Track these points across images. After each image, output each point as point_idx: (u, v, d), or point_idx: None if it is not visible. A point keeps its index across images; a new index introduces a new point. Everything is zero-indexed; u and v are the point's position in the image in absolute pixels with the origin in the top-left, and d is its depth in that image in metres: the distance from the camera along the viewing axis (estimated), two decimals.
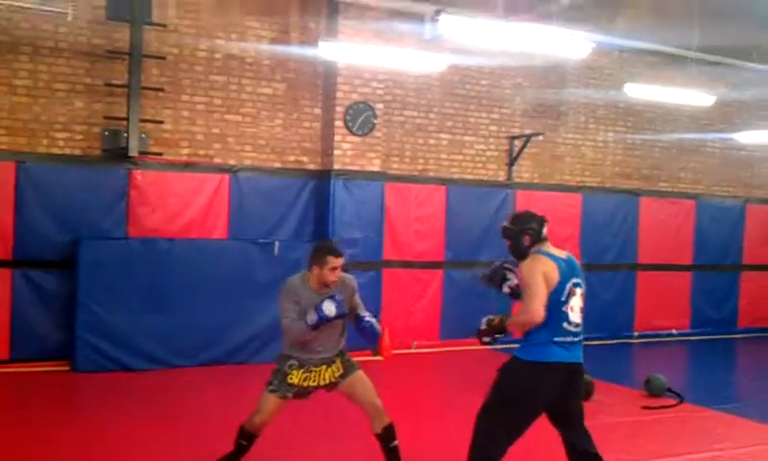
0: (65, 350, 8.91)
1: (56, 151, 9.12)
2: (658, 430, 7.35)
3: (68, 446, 6.09)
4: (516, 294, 5.10)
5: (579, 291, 4.76)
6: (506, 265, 5.24)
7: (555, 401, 4.77)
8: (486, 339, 5.04)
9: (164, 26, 9.47)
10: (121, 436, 6.39)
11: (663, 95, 11.29)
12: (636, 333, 12.82)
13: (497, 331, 4.98)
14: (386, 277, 10.64)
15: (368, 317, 5.51)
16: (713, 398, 8.57)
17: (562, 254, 4.85)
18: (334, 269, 5.31)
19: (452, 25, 8.32)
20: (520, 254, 4.90)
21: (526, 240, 4.89)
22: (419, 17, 10.20)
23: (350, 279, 5.60)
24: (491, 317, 5.03)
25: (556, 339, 4.66)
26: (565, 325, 4.68)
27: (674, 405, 8.24)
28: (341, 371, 5.46)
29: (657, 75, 11.83)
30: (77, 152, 9.22)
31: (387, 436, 5.41)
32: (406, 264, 11.02)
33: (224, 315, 9.37)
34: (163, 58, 9.54)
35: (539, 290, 4.60)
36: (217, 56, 9.92)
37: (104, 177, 9.28)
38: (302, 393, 5.45)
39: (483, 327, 5.04)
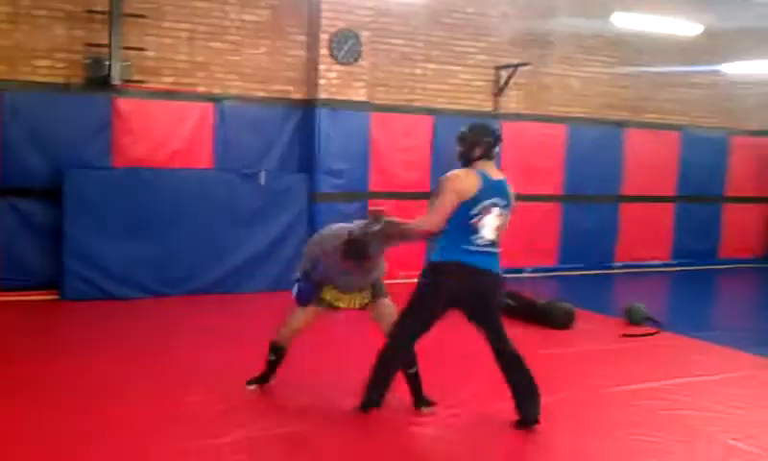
0: (53, 279, 8.95)
1: (38, 79, 9.01)
2: (636, 357, 7.50)
3: (56, 374, 6.15)
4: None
5: (497, 211, 4.99)
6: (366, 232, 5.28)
7: (464, 297, 5.03)
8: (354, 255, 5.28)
9: None
10: (109, 364, 6.46)
11: (650, 24, 11.20)
12: (617, 264, 12.98)
13: (376, 237, 5.23)
14: (372, 207, 10.66)
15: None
16: (692, 326, 8.73)
17: (498, 175, 5.10)
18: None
19: None
20: (467, 161, 5.12)
21: (477, 151, 5.10)
22: None
23: None
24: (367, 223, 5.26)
25: (463, 246, 4.96)
26: (473, 237, 4.95)
27: (653, 333, 8.39)
28: (370, 297, 5.68)
29: (645, 4, 11.70)
30: (59, 80, 9.11)
31: (408, 363, 5.55)
32: (392, 195, 11.03)
33: (209, 245, 9.41)
34: None
35: (444, 206, 4.91)
36: None
37: (87, 105, 9.19)
38: (332, 308, 5.71)
39: (348, 248, 5.27)
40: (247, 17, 10.07)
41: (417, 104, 11.27)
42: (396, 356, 5.28)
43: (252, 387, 5.87)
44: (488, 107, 11.82)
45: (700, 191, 13.69)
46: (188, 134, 9.78)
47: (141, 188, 9.08)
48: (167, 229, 9.17)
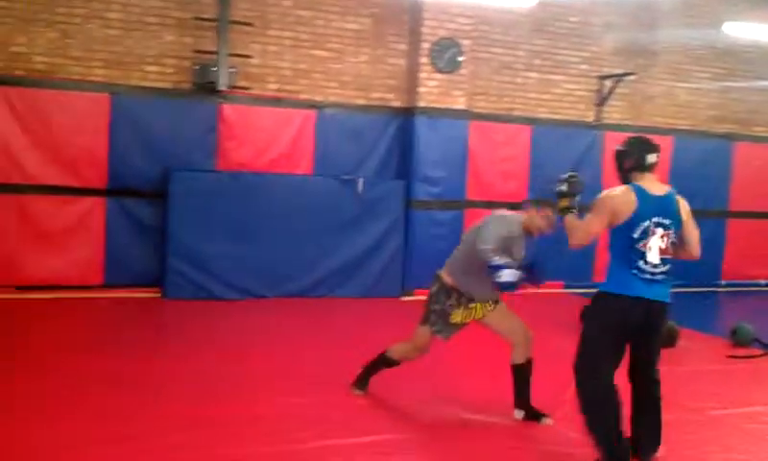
0: (157, 277, 9.23)
1: (147, 84, 9.33)
2: (742, 379, 7.20)
3: (158, 370, 6.33)
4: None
5: (661, 231, 4.62)
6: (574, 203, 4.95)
7: (633, 331, 4.71)
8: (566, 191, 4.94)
9: None
10: (206, 363, 6.61)
11: (764, 34, 10.77)
12: (723, 282, 12.50)
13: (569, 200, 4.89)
14: (468, 217, 10.58)
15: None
16: None
17: (659, 190, 4.74)
18: (547, 218, 5.42)
19: None
20: (621, 176, 4.86)
21: (627, 163, 4.82)
22: None
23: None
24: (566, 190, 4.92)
25: (630, 272, 4.61)
26: (641, 263, 4.59)
27: (761, 355, 8.04)
28: (492, 307, 5.57)
29: (758, 13, 11.27)
30: (167, 85, 9.42)
31: (522, 371, 5.51)
32: (489, 204, 10.92)
33: (308, 249, 9.54)
34: None
35: (595, 222, 4.62)
36: None
37: (193, 110, 9.47)
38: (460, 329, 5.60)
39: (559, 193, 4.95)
40: (348, 25, 10.18)
41: (516, 113, 11.15)
42: (599, 402, 4.73)
43: (359, 392, 5.86)
44: (589, 117, 11.60)
45: None
46: (290, 140, 9.95)
47: (243, 192, 9.29)
48: (267, 232, 9.34)
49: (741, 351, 8.13)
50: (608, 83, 11.50)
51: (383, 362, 5.79)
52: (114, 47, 9.18)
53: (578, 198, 4.93)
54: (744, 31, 10.75)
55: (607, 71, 11.56)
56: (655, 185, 4.75)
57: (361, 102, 10.32)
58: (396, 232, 9.94)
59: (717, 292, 12.29)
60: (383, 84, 10.42)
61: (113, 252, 9.18)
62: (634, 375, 4.90)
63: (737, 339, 8.44)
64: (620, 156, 4.88)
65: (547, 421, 5.49)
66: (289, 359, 6.87)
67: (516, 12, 10.72)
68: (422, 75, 10.18)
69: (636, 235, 4.59)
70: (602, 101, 11.56)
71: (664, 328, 4.99)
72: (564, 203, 4.89)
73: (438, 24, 10.15)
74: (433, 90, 10.23)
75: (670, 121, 12.13)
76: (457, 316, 5.51)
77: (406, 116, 10.34)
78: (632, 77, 11.43)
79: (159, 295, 9.14)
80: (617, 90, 11.47)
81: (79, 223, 9.06)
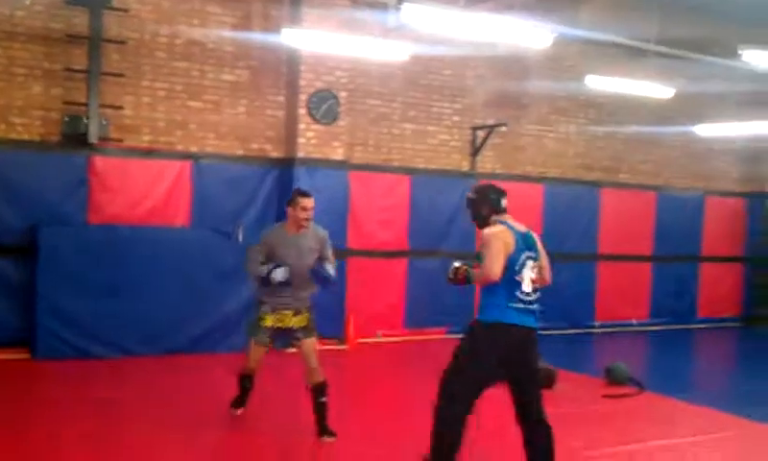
0: (25, 336, 8.78)
1: (14, 136, 8.95)
2: (618, 418, 7.44)
3: (27, 436, 5.97)
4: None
5: (531, 263, 5.08)
6: (465, 264, 5.36)
7: (509, 362, 5.07)
8: (453, 282, 5.34)
9: (125, 11, 9.33)
10: (80, 426, 6.30)
11: (624, 87, 11.40)
12: (597, 323, 12.97)
13: (463, 280, 5.26)
14: (350, 265, 10.62)
15: (325, 265, 6.22)
16: (673, 386, 8.71)
17: (521, 227, 5.19)
18: (304, 209, 6.11)
19: (415, 14, 8.30)
20: (481, 221, 5.29)
21: (485, 209, 5.27)
22: (382, 6, 10.17)
23: (322, 230, 6.34)
24: (457, 266, 5.30)
25: (510, 304, 5.01)
26: (518, 293, 5.02)
27: (635, 394, 8.34)
28: (305, 324, 6.28)
29: (618, 67, 11.90)
30: (35, 137, 9.06)
31: (318, 391, 6.21)
32: (370, 253, 11.01)
33: (186, 303, 9.28)
34: (124, 42, 9.40)
35: (498, 254, 4.95)
36: (178, 41, 9.80)
37: (63, 162, 9.14)
38: (278, 333, 6.33)
39: (450, 275, 5.32)
40: (225, 77, 10.12)
41: (394, 163, 11.31)
42: (449, 424, 5.10)
43: (237, 411, 6.72)
44: (464, 166, 11.90)
45: (676, 250, 13.79)
46: (165, 192, 9.74)
47: (117, 245, 8.98)
48: (143, 286, 9.03)
49: (616, 391, 8.40)
50: (480, 133, 11.85)
51: (242, 381, 6.65)
52: None
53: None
54: (605, 83, 11.32)
55: (479, 122, 11.92)
56: (516, 224, 5.21)
57: (239, 152, 10.23)
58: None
59: (592, 333, 12.72)
60: (261, 135, 10.38)
61: None
62: (520, 406, 5.18)
63: (612, 378, 8.74)
64: (476, 203, 5.34)
65: (329, 439, 6.17)
66: (163, 417, 6.62)
67: (391, 66, 10.92)
68: (301, 126, 10.20)
69: (516, 268, 5.00)
70: (476, 151, 11.90)
71: (538, 359, 5.35)
72: (462, 271, 5.26)
73: (315, 76, 10.22)
74: (311, 141, 10.26)
75: (540, 169, 12.60)
76: (268, 320, 6.25)
77: (285, 167, 10.31)
78: (503, 127, 11.82)
79: (29, 355, 8.65)
80: (490, 140, 11.83)
81: None
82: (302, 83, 10.18)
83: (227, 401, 6.82)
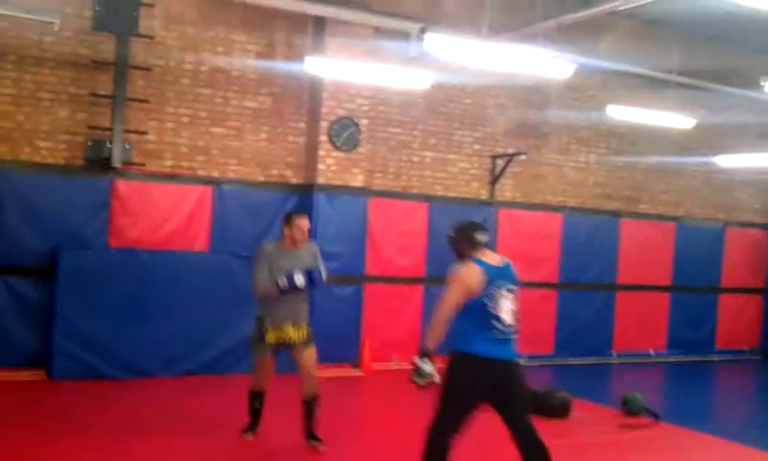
0: (42, 357, 8.86)
1: (38, 160, 9.11)
2: (634, 448, 7.42)
3: (43, 455, 6.04)
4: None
5: (507, 294, 5.23)
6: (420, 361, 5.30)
7: (493, 393, 5.18)
8: (423, 385, 5.25)
9: (151, 38, 9.50)
10: (96, 447, 6.35)
11: (645, 117, 11.42)
12: (614, 353, 12.91)
13: (428, 366, 5.21)
14: (368, 291, 10.68)
15: (319, 269, 6.60)
16: (689, 418, 8.65)
17: (495, 260, 5.35)
18: (300, 227, 6.56)
19: (437, 43, 8.41)
20: (460, 257, 5.40)
21: (463, 247, 5.41)
22: (404, 35, 10.30)
23: (313, 245, 6.83)
24: (419, 365, 5.23)
25: (483, 335, 5.14)
26: (494, 322, 5.15)
27: (651, 424, 8.30)
28: (305, 338, 6.60)
29: (638, 97, 11.96)
30: (60, 161, 9.21)
31: (311, 403, 6.59)
32: (388, 279, 11.05)
33: (204, 327, 9.36)
34: (149, 69, 9.57)
35: (447, 299, 5.16)
36: (203, 68, 9.96)
37: (86, 186, 9.27)
38: (279, 348, 6.62)
39: (418, 381, 5.25)
40: (248, 104, 10.25)
41: (413, 191, 11.38)
42: (439, 445, 5.24)
43: (249, 436, 6.83)
44: (483, 195, 11.94)
45: (695, 281, 13.72)
46: (185, 216, 9.84)
47: (137, 269, 9.09)
48: (161, 309, 9.13)
49: (632, 421, 8.37)
50: (500, 161, 11.89)
51: (253, 398, 6.83)
52: (4, 122, 8.95)
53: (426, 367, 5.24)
54: (626, 113, 11.35)
55: (500, 151, 11.97)
56: (491, 257, 5.38)
57: (260, 178, 10.34)
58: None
59: (608, 363, 12.66)
60: (282, 161, 10.48)
61: None
62: (512, 429, 5.25)
63: (628, 409, 8.70)
64: (454, 242, 5.50)
65: (319, 446, 6.56)
66: (180, 439, 6.66)
67: (412, 94, 11.03)
68: (321, 152, 10.30)
69: (488, 301, 5.15)
70: (495, 179, 11.94)
71: (525, 387, 5.44)
72: (427, 366, 5.22)
73: (336, 104, 10.34)
74: (332, 167, 10.35)
75: (560, 198, 12.61)
76: (270, 337, 6.55)
77: (305, 193, 10.41)
78: (523, 156, 11.87)
79: (45, 376, 8.73)
80: (509, 169, 11.87)
81: None
82: (324, 110, 10.29)
83: (244, 419, 6.88)
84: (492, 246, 12.07)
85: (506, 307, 5.20)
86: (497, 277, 5.22)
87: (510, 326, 5.22)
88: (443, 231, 11.14)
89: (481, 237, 5.41)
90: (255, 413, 6.84)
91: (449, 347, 5.25)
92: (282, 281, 6.35)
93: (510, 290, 5.26)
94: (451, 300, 5.15)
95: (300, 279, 6.35)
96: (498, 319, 5.16)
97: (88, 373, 8.74)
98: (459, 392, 5.18)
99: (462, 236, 5.45)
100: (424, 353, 5.21)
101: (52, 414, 7.43)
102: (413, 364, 5.24)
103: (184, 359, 9.26)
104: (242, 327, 9.41)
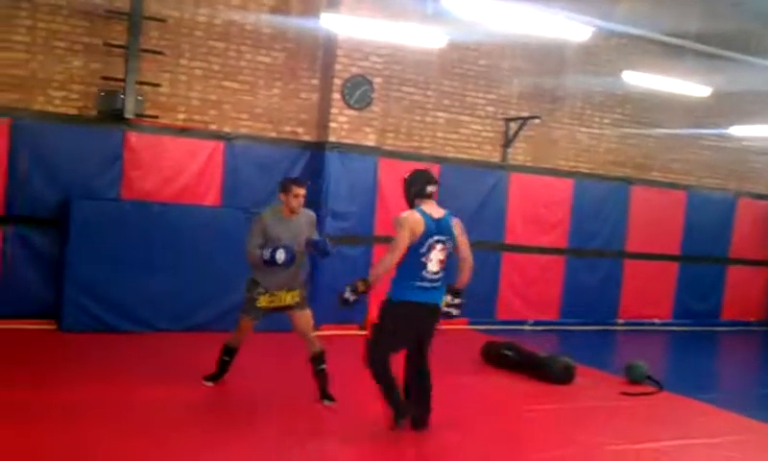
0: (53, 308, 8.95)
1: (51, 109, 9.10)
2: (636, 416, 7.47)
3: (53, 406, 6.13)
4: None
5: (440, 247, 5.84)
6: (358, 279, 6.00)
7: (416, 332, 6.01)
8: (352, 299, 5.96)
9: None
10: (103, 397, 6.45)
11: (660, 84, 11.32)
12: (620, 320, 12.95)
13: (364, 292, 5.94)
14: (377, 252, 10.68)
15: (318, 237, 6.90)
16: (692, 387, 8.68)
17: (436, 213, 5.92)
18: (297, 196, 6.63)
19: (454, 1, 8.30)
20: (408, 202, 6.02)
21: (411, 192, 6.00)
22: None
23: (310, 213, 6.96)
24: (352, 285, 5.93)
25: (415, 283, 5.82)
26: (424, 272, 5.81)
27: (653, 393, 8.35)
28: (298, 300, 6.76)
29: (654, 64, 11.83)
30: (73, 111, 9.21)
31: (317, 360, 6.73)
32: None
33: (213, 281, 9.39)
34: (163, 20, 9.52)
35: (399, 243, 5.74)
36: (217, 22, 9.89)
37: (99, 137, 9.27)
38: (269, 312, 6.80)
39: (349, 296, 5.94)
40: (261, 59, 10.20)
41: (425, 152, 11.34)
42: (384, 374, 5.99)
43: (209, 383, 7.02)
44: (495, 158, 11.90)
45: (704, 251, 13.69)
46: (197, 171, 9.85)
47: (147, 222, 9.10)
48: (171, 263, 9.16)
49: (635, 389, 8.42)
50: (513, 125, 11.84)
51: (226, 352, 7.05)
52: (18, 71, 8.94)
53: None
54: (642, 80, 11.25)
55: (513, 114, 11.90)
56: (434, 209, 5.94)
57: (271, 134, 10.32)
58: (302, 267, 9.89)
59: (614, 330, 12.70)
60: (294, 118, 10.46)
61: (8, 280, 8.85)
62: (410, 362, 6.13)
63: (631, 376, 8.75)
64: (407, 184, 6.06)
65: (332, 404, 6.69)
66: (185, 392, 6.75)
67: (427, 53, 10.95)
68: (334, 111, 10.26)
69: (422, 250, 5.77)
70: (508, 142, 11.89)
71: (435, 329, 6.20)
72: (361, 286, 5.92)
73: (350, 61, 10.27)
74: (344, 126, 10.32)
75: (572, 163, 12.56)
76: (262, 301, 6.72)
77: (317, 151, 10.39)
78: (536, 120, 11.81)
79: (55, 327, 8.83)
80: (522, 133, 11.82)
81: None
82: (338, 67, 10.23)
83: (250, 375, 6.99)
84: (502, 209, 12.22)
85: (435, 258, 5.81)
86: (435, 229, 5.81)
87: (436, 274, 5.85)
88: (454, 194, 11.30)
89: (430, 188, 5.94)
90: (223, 365, 7.07)
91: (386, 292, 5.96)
92: (266, 254, 6.46)
93: (443, 242, 5.85)
94: (403, 244, 5.71)
95: (281, 256, 6.43)
96: (426, 268, 5.78)
97: (98, 325, 8.81)
98: (391, 332, 5.92)
99: (413, 182, 6.00)
100: (366, 283, 5.86)
101: (58, 364, 7.53)
102: (354, 284, 5.88)
103: (192, 314, 9.30)
104: None
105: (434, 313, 6.02)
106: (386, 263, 5.83)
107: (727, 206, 13.98)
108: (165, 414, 6.17)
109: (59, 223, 8.95)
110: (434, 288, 5.91)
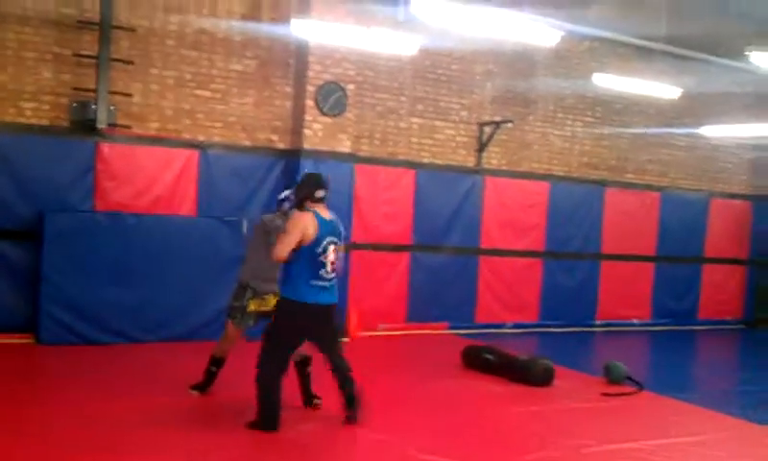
0: (30, 322, 8.83)
1: (22, 121, 9.00)
2: (616, 417, 7.48)
3: (29, 420, 6.04)
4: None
5: (333, 248, 6.05)
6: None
7: (314, 330, 6.17)
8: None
9: None
10: (82, 410, 6.36)
11: (631, 86, 11.39)
12: (598, 322, 13.01)
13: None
14: (354, 258, 10.67)
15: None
16: (671, 386, 8.73)
17: (327, 216, 6.13)
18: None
19: (425, 7, 8.30)
20: (297, 203, 6.24)
21: (301, 194, 6.19)
22: None
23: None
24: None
25: (311, 282, 5.99)
26: (321, 272, 6.01)
27: (633, 393, 8.38)
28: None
29: (625, 66, 11.94)
30: (44, 122, 9.11)
31: (305, 363, 6.73)
32: (374, 246, 11.06)
33: (190, 291, 9.33)
34: (134, 30, 9.44)
35: (290, 239, 5.90)
36: (188, 30, 9.83)
37: (71, 148, 9.18)
38: (257, 319, 6.77)
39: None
40: (234, 67, 10.15)
41: (400, 157, 11.34)
42: (269, 388, 6.05)
43: (195, 393, 6.96)
44: (470, 162, 11.92)
45: (679, 252, 13.80)
46: (171, 181, 9.77)
47: (122, 233, 9.02)
48: (147, 274, 9.08)
49: (614, 389, 8.44)
50: (487, 129, 11.87)
51: (214, 363, 7.00)
52: None
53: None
54: (612, 82, 11.32)
55: (486, 118, 11.94)
56: (325, 212, 6.15)
57: (246, 143, 10.26)
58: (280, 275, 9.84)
59: (592, 332, 12.75)
60: (268, 126, 10.41)
61: None
62: (328, 360, 6.31)
63: (611, 377, 8.77)
64: (298, 187, 6.30)
65: (319, 403, 6.74)
66: (162, 402, 6.67)
67: (399, 60, 10.96)
68: (308, 118, 10.22)
69: (319, 250, 5.96)
70: (482, 147, 11.92)
71: (337, 325, 6.44)
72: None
73: (323, 68, 10.25)
74: (318, 133, 10.29)
75: (546, 167, 12.61)
76: (252, 305, 6.73)
77: (292, 158, 10.34)
78: (509, 124, 11.86)
79: (32, 340, 8.72)
80: (496, 137, 11.85)
81: None
82: (310, 74, 10.19)
83: (228, 384, 6.90)
84: (478, 214, 12.26)
85: (330, 258, 6.03)
86: (327, 230, 6.03)
87: (331, 274, 6.07)
88: (429, 199, 11.33)
89: (320, 193, 6.12)
90: (211, 376, 7.02)
91: (281, 292, 6.20)
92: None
93: (334, 243, 6.07)
94: (291, 242, 5.87)
95: None
96: (324, 267, 5.99)
97: (75, 337, 8.71)
98: (286, 334, 6.06)
99: (303, 185, 6.20)
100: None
101: (35, 378, 7.43)
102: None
103: (169, 324, 9.22)
104: (227, 294, 9.41)
105: (330, 312, 6.20)
106: (277, 253, 5.94)
107: (700, 206, 14.11)
108: (146, 425, 6.08)
109: (33, 235, 8.84)
110: (327, 289, 6.10)
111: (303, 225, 5.93)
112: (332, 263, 6.07)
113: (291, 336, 6.12)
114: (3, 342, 8.57)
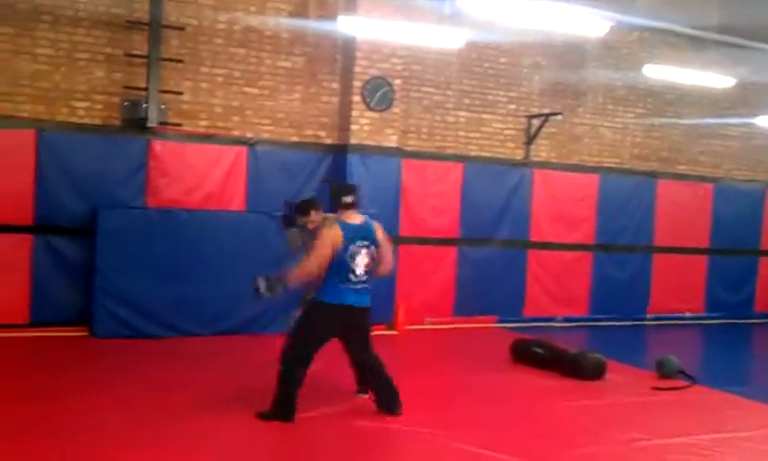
0: (84, 315, 9.04)
1: (75, 120, 9.20)
2: (668, 411, 7.37)
3: (79, 413, 6.17)
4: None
5: (364, 251, 6.17)
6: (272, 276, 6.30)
7: (341, 331, 6.29)
8: (266, 294, 6.27)
9: None
10: (136, 401, 6.48)
11: (683, 77, 11.20)
12: (649, 315, 12.82)
13: (279, 285, 6.23)
14: (401, 253, 10.66)
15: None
16: (726, 381, 8.56)
17: (357, 220, 6.27)
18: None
19: (471, 1, 8.28)
20: (331, 207, 6.50)
21: (332, 201, 6.44)
22: None
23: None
24: (269, 283, 6.24)
25: (341, 285, 6.13)
26: (351, 276, 6.14)
27: (686, 387, 8.25)
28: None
29: (676, 56, 11.74)
30: (97, 121, 9.30)
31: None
32: (421, 240, 11.05)
33: (239, 286, 9.37)
34: (183, 29, 9.58)
35: (318, 253, 6.08)
36: (236, 28, 9.94)
37: (123, 147, 9.36)
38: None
39: (264, 291, 6.26)
40: (281, 64, 10.24)
41: (448, 151, 11.31)
42: (290, 377, 6.17)
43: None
44: (518, 155, 11.84)
45: (734, 244, 13.52)
46: (221, 177, 9.91)
47: (174, 229, 9.18)
48: (198, 269, 9.23)
49: (667, 383, 8.32)
50: (535, 122, 11.77)
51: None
52: (41, 82, 9.04)
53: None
54: (663, 73, 11.14)
55: (535, 111, 11.84)
56: (354, 217, 6.29)
57: (293, 139, 10.35)
58: None
59: (644, 326, 12.58)
60: (316, 122, 10.48)
61: (39, 289, 8.97)
62: (356, 361, 6.53)
63: (663, 371, 8.65)
64: (331, 194, 6.51)
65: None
66: (213, 395, 6.77)
67: (446, 53, 10.93)
68: (355, 113, 10.26)
69: (347, 255, 6.09)
70: (530, 140, 11.83)
71: (369, 324, 6.53)
72: (280, 288, 6.28)
73: (370, 64, 10.27)
74: (365, 128, 10.32)
75: (596, 159, 12.47)
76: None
77: (339, 153, 10.40)
78: (558, 117, 11.74)
79: (87, 333, 8.94)
80: (545, 129, 11.75)
81: (3, 260, 8.83)
82: (357, 70, 10.23)
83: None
84: (526, 207, 12.16)
85: (361, 262, 6.14)
86: (355, 235, 6.14)
87: (362, 276, 6.18)
88: (477, 192, 11.28)
89: (347, 199, 6.28)
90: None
91: (312, 294, 6.33)
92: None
93: (366, 246, 6.18)
94: (320, 256, 6.05)
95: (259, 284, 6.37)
96: (353, 271, 6.11)
97: (129, 330, 8.90)
98: (313, 332, 6.18)
99: (333, 195, 6.42)
100: (281, 280, 6.19)
101: (90, 371, 7.59)
102: (272, 283, 6.19)
103: (219, 319, 9.36)
104: None
105: (362, 314, 6.31)
106: (300, 272, 6.14)
107: (756, 197, 13.80)
108: (196, 418, 6.18)
109: (87, 232, 9.04)
110: (360, 291, 6.21)
111: (331, 241, 6.09)
112: (366, 265, 6.19)
113: (317, 335, 6.24)
114: (59, 335, 8.82)
